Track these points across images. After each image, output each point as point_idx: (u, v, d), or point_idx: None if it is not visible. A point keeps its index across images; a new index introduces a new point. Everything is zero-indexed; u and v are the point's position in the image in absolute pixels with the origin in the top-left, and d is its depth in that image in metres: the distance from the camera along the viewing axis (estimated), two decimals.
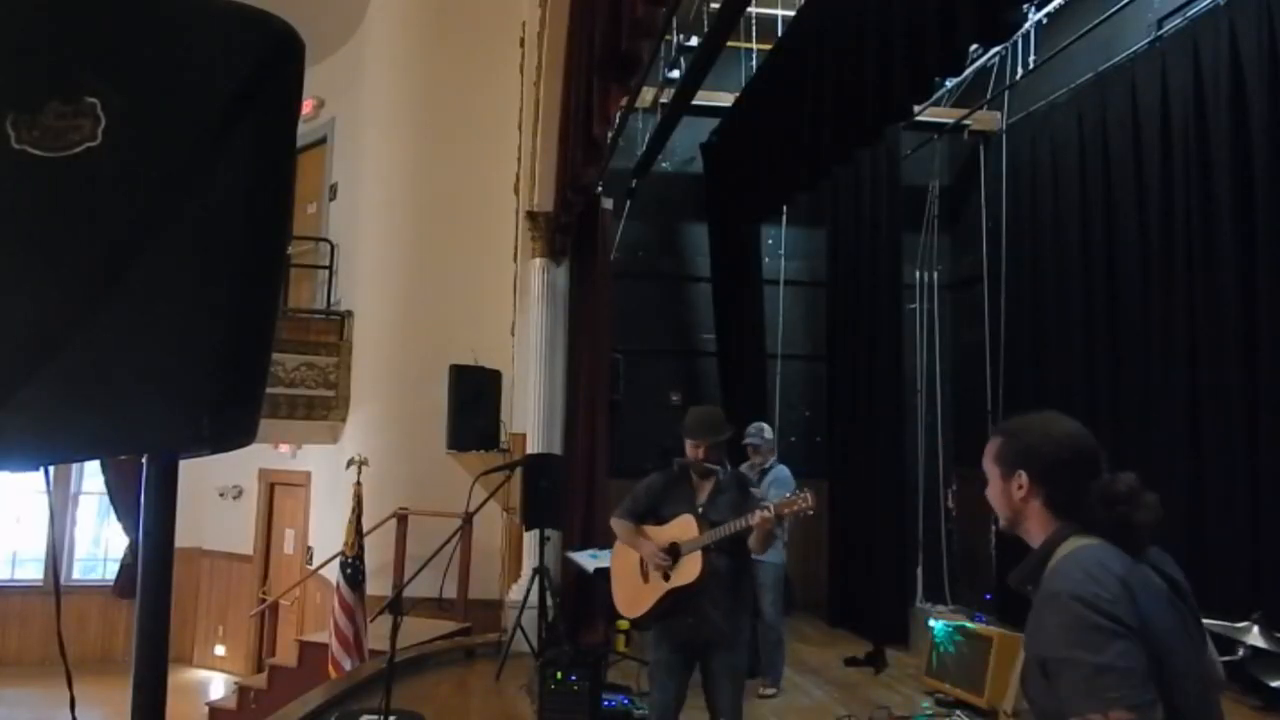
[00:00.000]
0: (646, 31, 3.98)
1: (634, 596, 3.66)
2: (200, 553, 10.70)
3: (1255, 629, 4.05)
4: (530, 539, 6.18)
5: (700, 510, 3.50)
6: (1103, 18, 5.82)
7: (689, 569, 3.45)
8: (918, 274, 8.09)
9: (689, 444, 3.57)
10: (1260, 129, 4.85)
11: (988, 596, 7.02)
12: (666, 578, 3.51)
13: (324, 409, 8.50)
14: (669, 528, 3.55)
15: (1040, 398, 6.61)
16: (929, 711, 4.99)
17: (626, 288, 7.83)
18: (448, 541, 4.58)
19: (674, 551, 3.51)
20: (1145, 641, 1.41)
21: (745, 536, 3.36)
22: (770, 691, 5.37)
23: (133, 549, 10.27)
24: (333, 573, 6.47)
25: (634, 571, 3.66)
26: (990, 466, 1.71)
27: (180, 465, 1.05)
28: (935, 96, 6.48)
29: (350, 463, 5.90)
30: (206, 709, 7.70)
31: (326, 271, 9.63)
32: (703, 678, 3.56)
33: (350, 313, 8.76)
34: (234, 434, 1.00)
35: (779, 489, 5.03)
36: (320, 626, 7.33)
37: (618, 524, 3.70)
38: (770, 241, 8.39)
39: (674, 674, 3.55)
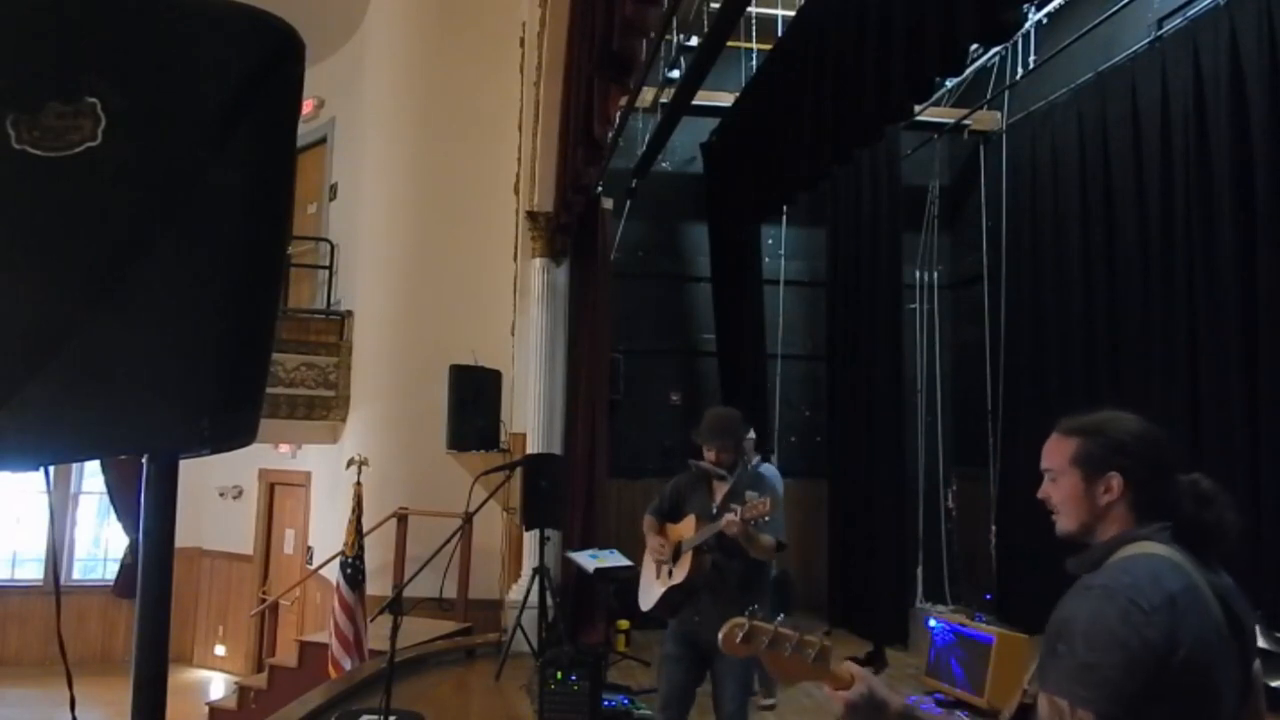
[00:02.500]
0: (639, 30, 3.98)
1: (647, 590, 3.78)
2: (200, 553, 10.69)
3: (1255, 629, 4.05)
4: (530, 539, 6.18)
5: (714, 511, 3.55)
6: (1103, 18, 5.82)
7: (682, 568, 3.56)
8: (918, 274, 8.09)
9: (703, 447, 3.63)
10: (1260, 129, 4.85)
11: (988, 596, 7.03)
12: (671, 574, 3.61)
13: (324, 409, 8.51)
14: (679, 526, 3.67)
15: (1040, 397, 6.62)
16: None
17: (626, 288, 7.83)
18: (448, 541, 4.57)
19: (678, 550, 3.60)
20: (1165, 666, 1.34)
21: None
22: (769, 702, 5.34)
23: (133, 549, 10.27)
24: (333, 573, 6.47)
25: (652, 566, 3.77)
26: (1066, 468, 1.59)
27: (180, 465, 1.05)
28: (935, 96, 6.47)
29: (350, 463, 5.91)
30: (206, 709, 7.70)
31: (326, 271, 9.63)
32: (711, 678, 3.60)
33: (350, 313, 8.75)
34: (234, 434, 1.01)
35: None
36: (320, 626, 7.33)
37: (645, 519, 3.83)
38: (770, 241, 8.37)
39: (677, 667, 3.59)
